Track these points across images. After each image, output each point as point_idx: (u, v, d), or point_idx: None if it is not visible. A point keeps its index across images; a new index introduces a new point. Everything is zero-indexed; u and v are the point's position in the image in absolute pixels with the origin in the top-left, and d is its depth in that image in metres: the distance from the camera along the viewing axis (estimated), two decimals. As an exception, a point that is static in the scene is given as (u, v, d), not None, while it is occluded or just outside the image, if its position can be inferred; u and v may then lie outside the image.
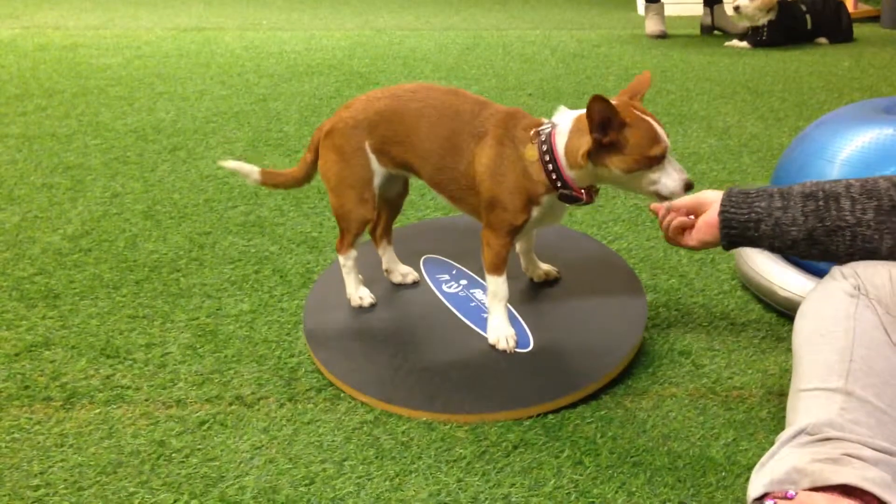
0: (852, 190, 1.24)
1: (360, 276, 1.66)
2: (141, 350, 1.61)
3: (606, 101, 1.32)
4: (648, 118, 1.39)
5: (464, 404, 1.39)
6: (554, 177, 1.42)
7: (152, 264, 1.96)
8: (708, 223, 1.34)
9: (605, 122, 1.35)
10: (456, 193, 1.52)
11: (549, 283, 1.72)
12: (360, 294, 1.65)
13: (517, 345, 1.52)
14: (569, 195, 1.44)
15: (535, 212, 1.47)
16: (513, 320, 1.59)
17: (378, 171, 1.56)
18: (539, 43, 4.74)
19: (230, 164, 1.64)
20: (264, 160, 2.69)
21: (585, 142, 1.38)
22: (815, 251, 1.27)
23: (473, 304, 1.65)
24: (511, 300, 1.63)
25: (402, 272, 1.71)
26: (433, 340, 1.56)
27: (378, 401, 1.42)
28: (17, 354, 1.59)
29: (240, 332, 1.67)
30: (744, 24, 4.73)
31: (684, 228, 1.40)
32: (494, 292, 1.53)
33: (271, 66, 4.08)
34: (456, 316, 1.62)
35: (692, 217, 1.39)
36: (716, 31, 5.07)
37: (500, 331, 1.52)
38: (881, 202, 1.22)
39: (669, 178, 1.40)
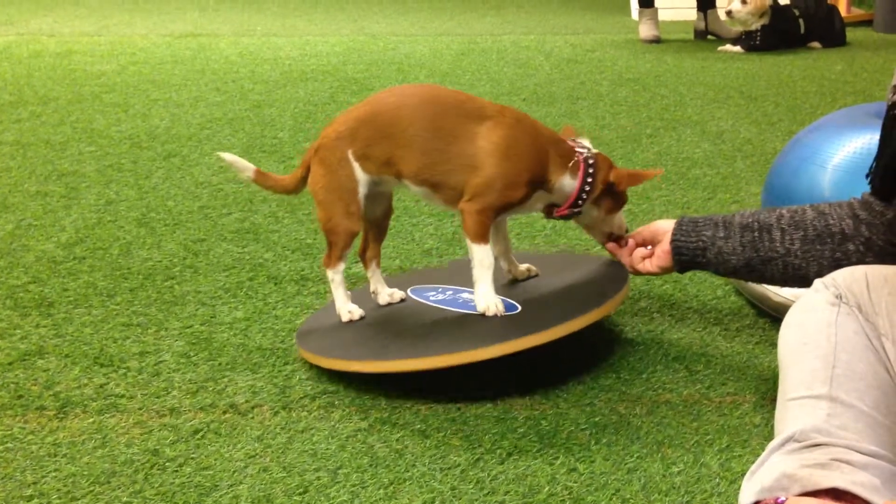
0: (782, 221, 1.39)
1: (348, 291, 1.66)
2: (135, 358, 1.61)
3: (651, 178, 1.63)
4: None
5: (451, 346, 1.43)
6: (581, 199, 1.56)
7: (146, 272, 1.96)
8: (665, 251, 1.50)
9: (634, 185, 1.63)
10: (441, 178, 1.53)
11: (530, 278, 1.73)
12: (348, 308, 1.65)
13: (506, 310, 1.55)
14: (572, 213, 1.59)
15: (532, 197, 1.56)
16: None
17: (362, 179, 1.57)
18: (533, 48, 4.76)
19: (227, 156, 1.67)
20: (258, 166, 2.68)
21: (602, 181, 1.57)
22: (753, 277, 1.43)
23: (461, 300, 1.65)
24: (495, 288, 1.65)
25: (389, 292, 1.71)
26: (424, 323, 1.58)
27: (369, 362, 1.44)
28: (10, 363, 1.59)
29: (234, 340, 1.67)
30: (737, 28, 4.75)
31: (644, 257, 1.57)
32: (481, 260, 1.54)
33: (266, 73, 4.09)
34: (446, 309, 1.63)
35: (650, 247, 1.57)
36: (709, 36, 5.09)
37: (489, 298, 1.54)
38: (806, 232, 1.36)
39: (620, 218, 1.65)
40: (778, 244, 1.38)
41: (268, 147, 2.89)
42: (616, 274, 1.65)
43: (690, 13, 5.23)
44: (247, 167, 1.67)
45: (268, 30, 5.35)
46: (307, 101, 3.54)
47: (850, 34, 4.96)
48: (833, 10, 4.87)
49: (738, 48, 4.68)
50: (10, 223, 2.24)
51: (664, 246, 1.50)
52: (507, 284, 1.70)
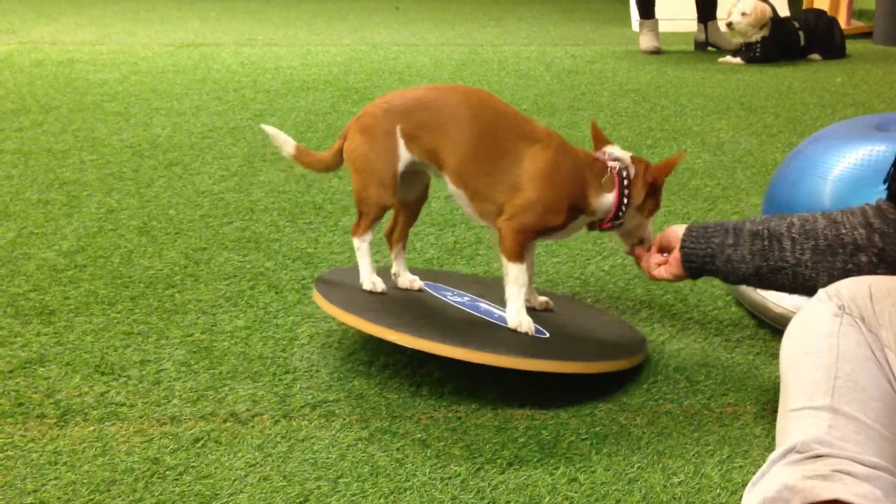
0: (793, 230, 1.36)
1: (373, 262, 1.67)
2: (135, 367, 1.61)
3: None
4: None
5: (498, 349, 1.44)
6: (621, 212, 1.56)
7: (147, 280, 1.96)
8: (676, 258, 1.49)
9: (668, 174, 1.59)
10: (482, 189, 1.55)
11: (546, 311, 1.72)
12: (373, 280, 1.65)
13: (536, 332, 1.55)
14: (615, 225, 1.59)
15: (573, 222, 1.57)
16: None
17: (404, 157, 1.58)
18: (534, 59, 4.77)
19: (269, 129, 1.71)
20: (260, 175, 2.70)
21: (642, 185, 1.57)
22: (763, 285, 1.42)
23: (482, 309, 1.65)
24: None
25: (410, 278, 1.72)
26: (455, 317, 1.59)
27: (405, 335, 1.45)
28: (11, 371, 1.59)
29: (235, 349, 1.67)
30: (738, 40, 4.76)
31: (659, 264, 1.55)
32: (515, 278, 1.54)
33: (267, 82, 4.10)
34: (469, 312, 1.63)
35: (665, 255, 1.55)
36: (710, 48, 5.10)
37: (521, 316, 1.55)
38: (817, 242, 1.33)
39: (650, 225, 1.64)
40: (788, 254, 1.36)
41: (269, 156, 2.90)
42: (633, 333, 1.69)
43: (691, 24, 5.24)
44: (287, 142, 1.69)
45: (269, 39, 5.36)
46: (308, 111, 3.54)
47: (850, 46, 4.98)
48: (833, 22, 4.88)
49: (738, 59, 4.70)
50: (12, 231, 2.25)
51: (676, 253, 1.49)
52: (530, 312, 1.70)
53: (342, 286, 1.67)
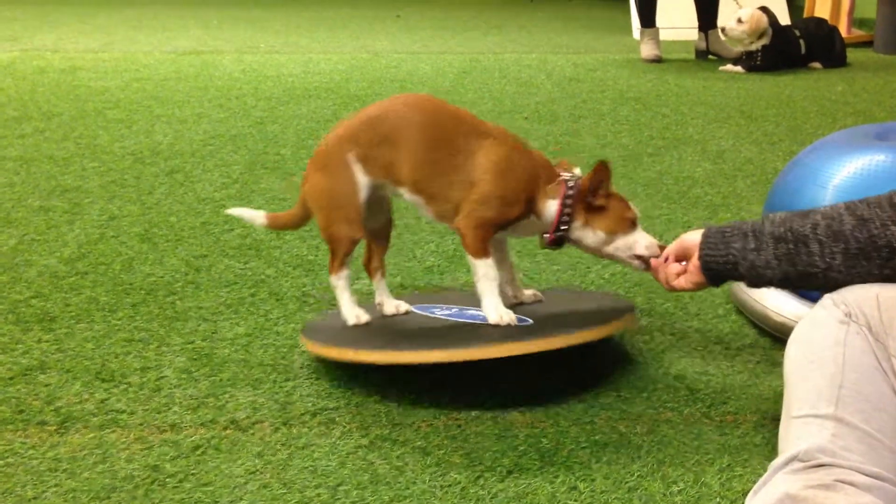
0: (819, 231, 1.25)
1: (353, 296, 1.67)
2: (136, 374, 1.61)
3: (607, 169, 1.52)
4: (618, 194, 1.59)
5: (471, 343, 1.45)
6: (565, 219, 1.54)
7: (148, 287, 1.97)
8: (696, 266, 1.40)
9: (597, 186, 1.53)
10: (438, 190, 1.55)
11: (535, 303, 1.73)
12: (355, 312, 1.65)
13: (518, 321, 1.56)
14: (561, 238, 1.57)
15: (524, 219, 1.57)
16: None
17: (363, 183, 1.58)
18: (535, 67, 4.78)
19: (235, 211, 1.75)
20: (261, 183, 2.70)
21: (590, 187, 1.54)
22: (792, 289, 1.38)
23: (468, 314, 1.65)
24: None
25: (395, 304, 1.72)
26: (436, 327, 1.60)
27: (384, 352, 1.46)
28: (11, 378, 1.59)
29: (235, 356, 1.67)
30: (738, 48, 4.77)
31: (679, 274, 1.47)
32: (484, 273, 1.55)
33: (269, 89, 4.10)
34: (454, 321, 1.64)
35: (684, 263, 1.47)
36: (710, 56, 5.11)
37: (499, 308, 1.55)
38: (848, 245, 1.22)
39: (644, 239, 1.57)
40: (817, 258, 1.24)
41: (270, 164, 2.90)
42: (622, 303, 1.71)
43: (692, 33, 5.25)
44: (257, 215, 1.72)
45: (271, 47, 5.38)
46: (310, 118, 3.55)
47: (851, 55, 4.99)
48: (834, 30, 4.89)
49: (739, 68, 4.70)
50: (14, 238, 2.25)
51: (695, 261, 1.40)
52: (514, 306, 1.70)
53: (325, 327, 1.68)
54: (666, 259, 1.50)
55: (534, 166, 1.57)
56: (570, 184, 1.55)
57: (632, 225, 1.56)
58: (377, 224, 1.68)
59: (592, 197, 1.53)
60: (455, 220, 1.55)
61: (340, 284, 1.64)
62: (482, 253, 1.54)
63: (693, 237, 1.42)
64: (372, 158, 1.57)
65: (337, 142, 1.59)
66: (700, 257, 1.37)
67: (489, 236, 1.55)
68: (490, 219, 1.54)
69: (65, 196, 2.57)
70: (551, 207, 1.55)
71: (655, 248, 1.55)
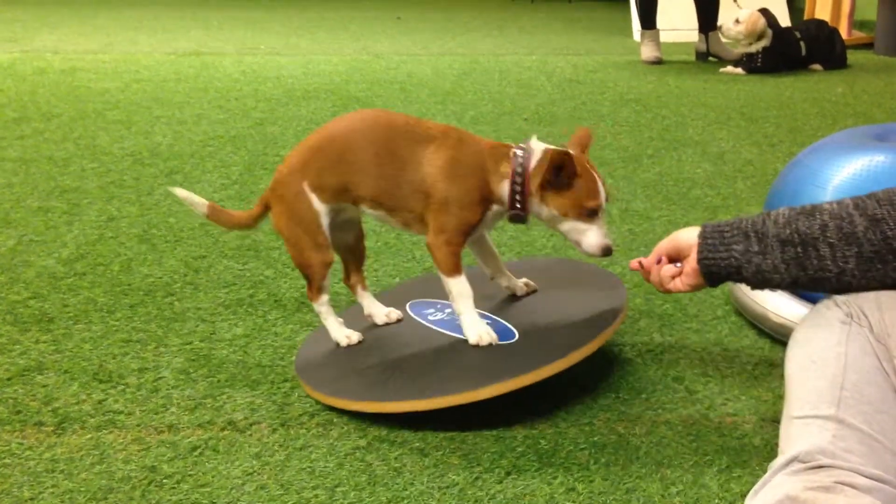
0: (828, 233, 1.18)
1: (339, 318, 1.66)
2: (134, 375, 1.60)
3: (568, 155, 1.45)
4: (595, 174, 1.49)
5: (450, 389, 1.40)
6: (517, 197, 1.50)
7: (147, 288, 1.96)
8: (693, 268, 1.31)
9: (559, 168, 1.45)
10: (396, 203, 1.54)
11: (529, 294, 1.72)
12: (345, 334, 1.64)
13: (499, 338, 1.53)
14: (518, 215, 1.52)
15: (489, 215, 1.53)
16: (495, 322, 1.60)
17: (322, 209, 1.57)
18: (535, 68, 4.78)
19: (180, 192, 1.69)
20: (260, 184, 2.70)
21: (540, 174, 1.47)
22: (800, 291, 1.29)
23: (459, 322, 1.64)
24: (490, 310, 1.65)
25: (385, 312, 1.71)
26: (424, 353, 1.56)
27: (368, 402, 1.43)
28: (9, 379, 1.58)
29: (233, 357, 1.67)
30: (739, 50, 4.77)
31: (673, 276, 1.38)
32: (459, 292, 1.54)
33: (269, 91, 4.10)
34: (444, 333, 1.62)
35: (679, 265, 1.37)
36: (711, 58, 5.11)
37: (476, 327, 1.53)
38: (861, 249, 1.16)
39: (592, 236, 1.49)
40: (829, 262, 1.17)
41: (270, 165, 2.90)
42: (614, 293, 1.64)
43: (692, 35, 5.25)
44: (199, 203, 1.68)
45: (271, 48, 5.38)
46: (309, 120, 3.55)
47: (851, 57, 4.99)
48: (834, 32, 4.89)
49: (739, 70, 4.70)
50: (12, 239, 2.25)
51: (692, 263, 1.32)
52: (505, 301, 1.70)
53: (317, 358, 1.63)
54: (658, 260, 1.40)
55: (480, 158, 1.51)
56: (519, 160, 1.49)
57: (589, 214, 1.47)
58: (348, 240, 1.68)
59: (553, 178, 1.45)
60: (427, 235, 1.53)
61: (324, 310, 1.63)
62: (454, 271, 1.52)
63: (688, 236, 1.34)
64: (325, 186, 1.55)
65: (290, 173, 1.57)
66: (699, 260, 1.29)
67: (459, 250, 1.52)
68: (455, 227, 1.50)
69: (64, 197, 2.57)
70: (505, 187, 1.50)
71: (597, 251, 1.48)
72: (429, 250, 1.54)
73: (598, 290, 1.70)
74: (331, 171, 1.55)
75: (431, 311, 1.72)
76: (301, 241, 1.58)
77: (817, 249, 1.18)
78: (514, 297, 1.71)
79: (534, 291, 1.72)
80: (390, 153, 1.52)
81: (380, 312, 1.70)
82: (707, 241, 1.28)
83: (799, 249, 1.20)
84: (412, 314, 1.72)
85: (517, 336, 1.55)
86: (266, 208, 1.64)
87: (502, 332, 1.55)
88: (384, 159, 1.52)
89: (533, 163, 1.49)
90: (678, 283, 1.37)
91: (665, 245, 1.39)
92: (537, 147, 1.51)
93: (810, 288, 1.23)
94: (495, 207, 1.53)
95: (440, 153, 1.51)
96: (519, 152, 1.50)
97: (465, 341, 1.54)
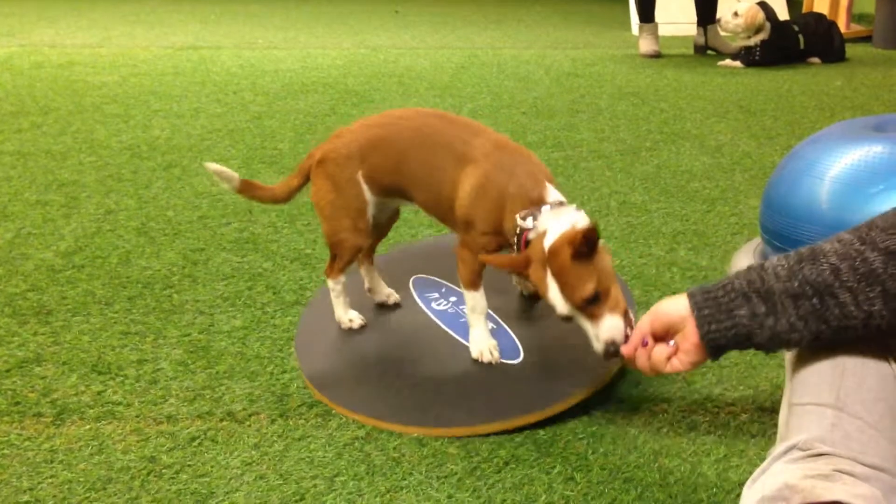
0: (843, 276, 1.05)
1: (348, 298, 1.67)
2: (132, 366, 1.60)
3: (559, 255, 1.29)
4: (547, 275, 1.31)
5: (454, 419, 1.39)
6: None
7: (145, 281, 1.96)
8: (694, 344, 1.13)
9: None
10: (443, 214, 1.54)
11: (537, 297, 1.72)
12: (349, 317, 1.65)
13: (502, 355, 1.53)
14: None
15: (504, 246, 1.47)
16: (503, 333, 1.60)
17: (371, 200, 1.56)
18: (533, 62, 4.77)
19: (212, 166, 1.60)
20: (258, 177, 2.69)
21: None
22: (822, 343, 1.11)
23: (463, 320, 1.65)
24: (501, 315, 1.64)
25: (385, 292, 1.72)
26: (424, 357, 1.56)
27: (369, 418, 1.42)
28: (8, 370, 1.58)
29: (232, 349, 1.67)
30: (737, 44, 4.77)
31: (669, 356, 1.19)
32: (473, 307, 1.53)
33: (267, 84, 4.10)
34: (446, 332, 1.62)
35: (672, 343, 1.18)
36: (709, 51, 5.10)
37: (482, 343, 1.53)
38: (885, 287, 1.03)
39: (600, 332, 1.28)
40: (852, 308, 1.04)
41: (267, 158, 2.90)
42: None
43: (690, 28, 5.25)
44: (232, 177, 1.60)
45: (269, 42, 5.37)
46: (307, 113, 3.54)
47: (850, 50, 4.98)
48: (832, 26, 4.89)
49: (737, 63, 4.70)
50: (10, 232, 2.25)
51: (691, 339, 1.14)
52: (518, 307, 1.69)
53: (319, 350, 1.62)
54: (644, 343, 1.21)
55: (503, 193, 1.42)
56: (518, 232, 1.39)
57: (585, 303, 1.29)
58: (381, 219, 1.67)
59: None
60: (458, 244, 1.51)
61: (339, 289, 1.64)
62: (471, 285, 1.52)
63: (673, 308, 1.16)
64: (379, 183, 1.54)
65: (347, 156, 1.54)
66: (702, 336, 1.12)
67: (480, 266, 1.49)
68: (476, 245, 1.47)
69: (62, 190, 2.57)
70: (514, 235, 1.41)
71: (599, 350, 1.29)
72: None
73: None
74: (386, 173, 1.53)
75: (435, 295, 1.73)
76: (341, 222, 1.56)
77: (836, 297, 1.05)
78: (525, 304, 1.70)
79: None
80: (437, 169, 1.49)
81: (381, 291, 1.71)
82: (703, 312, 1.12)
83: (815, 301, 1.06)
84: (415, 295, 1.72)
85: (521, 357, 1.54)
86: (306, 180, 1.60)
87: (507, 349, 1.55)
88: (431, 175, 1.50)
89: (532, 235, 1.37)
90: (676, 364, 1.19)
91: (649, 323, 1.21)
92: (547, 222, 1.36)
93: (832, 339, 1.09)
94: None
95: (472, 177, 1.45)
96: (525, 222, 1.38)
97: (468, 350, 1.55)
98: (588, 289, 1.26)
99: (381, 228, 1.70)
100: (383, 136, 1.54)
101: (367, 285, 1.71)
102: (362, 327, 1.66)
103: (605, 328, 1.27)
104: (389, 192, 1.56)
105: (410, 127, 1.53)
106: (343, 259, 1.60)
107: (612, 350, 1.26)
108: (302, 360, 1.58)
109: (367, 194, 1.55)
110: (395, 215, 1.69)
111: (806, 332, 1.07)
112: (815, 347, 1.10)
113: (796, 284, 1.06)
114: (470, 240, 1.48)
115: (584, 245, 1.26)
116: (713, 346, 1.12)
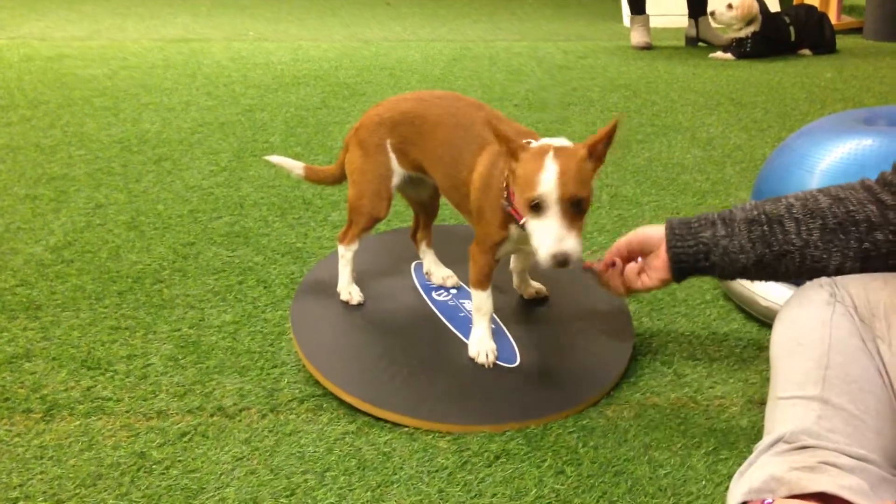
0: (794, 211, 1.23)
1: (354, 272, 1.68)
2: (122, 361, 1.60)
3: (513, 142, 1.32)
4: (546, 159, 1.30)
5: (448, 414, 1.39)
6: (509, 207, 1.40)
7: (135, 275, 1.96)
8: (663, 260, 1.31)
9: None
10: (459, 202, 1.54)
11: (538, 301, 1.72)
12: (350, 290, 1.67)
13: (497, 359, 1.53)
14: (524, 226, 1.36)
15: (514, 231, 1.43)
16: (501, 335, 1.59)
17: (397, 171, 1.60)
18: (525, 54, 4.77)
19: (276, 159, 1.73)
20: (249, 170, 2.69)
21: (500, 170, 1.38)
22: (765, 274, 1.27)
23: (462, 314, 1.65)
24: (501, 316, 1.65)
25: (443, 275, 1.75)
26: (421, 347, 1.56)
27: (362, 401, 1.42)
28: (-3, 366, 1.58)
29: (222, 343, 1.66)
30: (728, 35, 4.77)
31: (639, 272, 1.36)
32: (478, 306, 1.53)
33: (258, 77, 4.08)
34: (444, 325, 1.62)
35: (640, 260, 1.36)
36: (700, 43, 5.11)
37: (481, 344, 1.53)
38: (825, 221, 1.21)
39: (543, 238, 1.28)
40: (794, 236, 1.22)
41: (259, 151, 2.89)
42: (618, 346, 1.59)
43: (682, 20, 5.25)
44: (295, 166, 1.72)
45: (260, 35, 5.35)
46: (299, 106, 3.54)
47: (841, 42, 4.99)
48: (823, 17, 4.90)
49: (728, 55, 4.70)
50: (-1, 226, 2.24)
51: (661, 255, 1.32)
52: (517, 307, 1.69)
53: (315, 320, 1.63)
54: (613, 264, 1.38)
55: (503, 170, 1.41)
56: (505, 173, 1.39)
57: (533, 209, 1.30)
58: (422, 196, 1.70)
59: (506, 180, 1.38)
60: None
61: (347, 256, 1.67)
62: (478, 285, 1.51)
63: (654, 231, 1.34)
64: (406, 155, 1.58)
65: (379, 123, 1.58)
66: (668, 249, 1.29)
67: (487, 266, 1.48)
68: (485, 241, 1.46)
69: (51, 184, 2.56)
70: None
71: (543, 259, 1.28)
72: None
73: (606, 325, 1.65)
74: (412, 147, 1.57)
75: (436, 286, 1.75)
76: (365, 186, 1.60)
77: (783, 225, 1.23)
78: (525, 305, 1.71)
79: (545, 297, 1.72)
80: (456, 149, 1.50)
81: (438, 273, 1.75)
82: (675, 232, 1.30)
83: (765, 227, 1.24)
84: (416, 282, 1.73)
85: (518, 361, 1.53)
86: (346, 151, 1.65)
87: (504, 351, 1.55)
88: (450, 155, 1.51)
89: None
90: (646, 280, 1.35)
91: (626, 242, 1.36)
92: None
93: (773, 265, 1.25)
94: (514, 227, 1.43)
95: (482, 162, 1.45)
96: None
97: (466, 347, 1.55)
98: (585, 189, 1.30)
99: (426, 207, 1.73)
100: (414, 109, 1.57)
101: (425, 268, 1.75)
102: (360, 305, 1.66)
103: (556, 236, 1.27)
104: (414, 167, 1.59)
105: (441, 105, 1.56)
106: (359, 225, 1.62)
107: (561, 260, 1.26)
108: (298, 336, 1.58)
109: (395, 164, 1.59)
110: (436, 192, 1.70)
111: (752, 254, 1.24)
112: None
113: (755, 213, 1.26)
114: (482, 235, 1.47)
115: (608, 141, 1.35)
116: (677, 263, 1.29)
